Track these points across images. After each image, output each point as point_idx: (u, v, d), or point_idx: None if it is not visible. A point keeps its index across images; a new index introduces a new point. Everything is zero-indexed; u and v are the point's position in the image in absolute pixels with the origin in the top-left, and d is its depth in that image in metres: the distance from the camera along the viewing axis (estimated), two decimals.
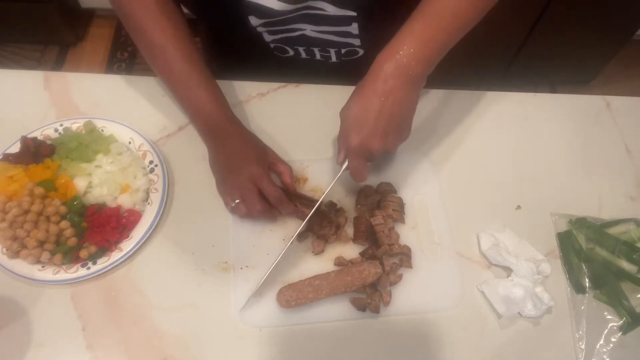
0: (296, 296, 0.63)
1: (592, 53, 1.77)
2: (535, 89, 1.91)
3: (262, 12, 0.66)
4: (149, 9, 0.67)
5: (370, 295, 0.64)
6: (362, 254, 0.68)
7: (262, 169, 0.67)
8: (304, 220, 0.67)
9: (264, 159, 0.69)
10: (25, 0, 1.79)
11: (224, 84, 0.82)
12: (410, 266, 0.67)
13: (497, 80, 1.89)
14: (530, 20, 1.61)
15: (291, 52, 0.79)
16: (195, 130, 0.75)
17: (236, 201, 0.67)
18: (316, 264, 0.68)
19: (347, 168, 0.64)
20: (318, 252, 0.68)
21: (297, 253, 0.69)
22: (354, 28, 0.70)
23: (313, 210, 0.66)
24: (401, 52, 0.58)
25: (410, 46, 0.58)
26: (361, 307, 0.64)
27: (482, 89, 0.84)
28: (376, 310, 0.64)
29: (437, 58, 0.61)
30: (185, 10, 0.78)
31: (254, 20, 0.69)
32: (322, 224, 0.68)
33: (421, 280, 0.67)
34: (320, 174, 0.75)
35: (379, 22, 0.68)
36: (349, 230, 0.70)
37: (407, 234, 0.70)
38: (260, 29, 0.72)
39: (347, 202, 0.73)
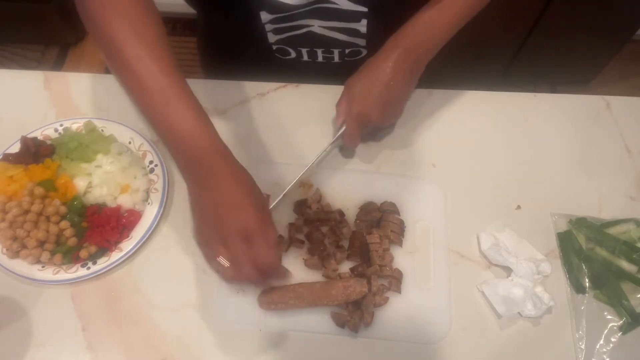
0: (277, 300, 0.62)
1: (592, 53, 1.77)
2: (535, 89, 1.91)
3: (275, 7, 0.66)
4: (120, 11, 0.56)
5: (352, 312, 0.63)
6: (352, 269, 0.67)
7: (259, 224, 0.55)
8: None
9: (263, 207, 0.58)
10: (25, 0, 1.79)
11: (223, 84, 0.83)
12: (398, 291, 0.65)
13: (497, 80, 1.89)
14: (530, 20, 1.61)
15: (293, 54, 0.79)
16: (173, 159, 0.60)
17: (220, 260, 0.56)
18: (304, 271, 0.67)
19: (342, 134, 0.69)
20: (310, 266, 0.67)
21: (288, 259, 0.68)
22: (362, 25, 0.70)
23: (304, 171, 0.68)
24: (412, 39, 0.65)
25: (421, 34, 0.65)
26: (340, 323, 0.63)
27: (482, 89, 0.84)
28: (355, 329, 0.62)
29: (440, 47, 0.67)
30: (181, 10, 0.78)
31: (264, 16, 0.68)
32: (322, 247, 0.67)
33: (409, 307, 0.65)
34: (327, 182, 0.74)
35: (388, 20, 0.69)
36: (344, 243, 0.69)
37: (403, 258, 0.68)
38: (267, 27, 0.71)
39: (347, 215, 0.71)
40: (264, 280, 0.58)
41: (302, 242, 0.69)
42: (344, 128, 0.69)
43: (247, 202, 0.55)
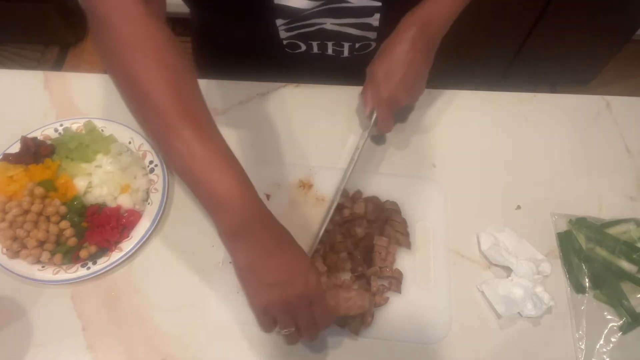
0: None
1: (592, 53, 1.77)
2: (535, 89, 1.91)
3: (289, 13, 0.67)
4: (159, 81, 0.51)
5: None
6: (352, 270, 0.66)
7: (320, 288, 0.55)
8: None
9: (315, 267, 0.57)
10: (25, 0, 1.79)
11: (223, 84, 0.83)
12: (399, 291, 0.65)
13: (497, 80, 1.89)
14: (530, 20, 1.61)
15: (303, 48, 0.79)
16: (218, 228, 0.55)
17: (291, 329, 0.56)
18: None
19: (375, 121, 0.71)
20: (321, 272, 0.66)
21: None
22: (375, 19, 0.71)
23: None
24: (425, 16, 0.67)
25: (433, 11, 0.67)
26: (341, 324, 0.63)
27: (482, 89, 0.84)
28: (355, 331, 0.62)
29: (452, 21, 0.69)
30: (181, 10, 0.77)
31: (279, 22, 0.69)
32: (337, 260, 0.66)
33: (409, 307, 0.65)
34: (327, 182, 0.73)
35: (401, 12, 0.69)
36: (357, 253, 0.68)
37: (403, 258, 0.68)
38: (280, 27, 0.72)
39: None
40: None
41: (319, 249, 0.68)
42: (375, 116, 0.70)
43: (307, 268, 0.54)
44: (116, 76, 0.54)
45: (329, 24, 0.72)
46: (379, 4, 0.67)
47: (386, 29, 0.72)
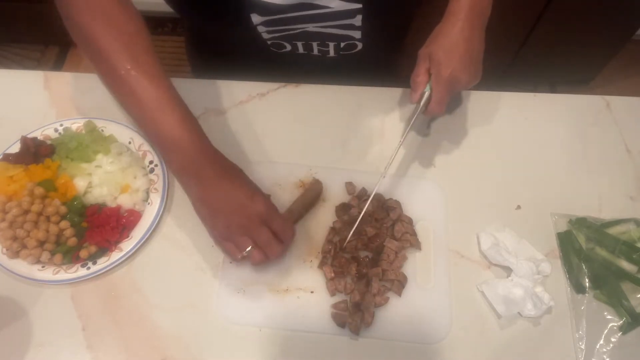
0: None
1: (592, 53, 1.77)
2: (535, 89, 1.92)
3: (264, 8, 0.66)
4: (105, 23, 0.58)
5: (352, 315, 0.63)
6: (358, 272, 0.66)
7: (268, 206, 0.61)
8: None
9: (260, 191, 0.63)
10: (25, 0, 1.79)
11: (223, 84, 0.83)
12: (399, 294, 0.65)
13: (497, 80, 1.89)
14: (530, 20, 1.61)
15: (288, 47, 0.79)
16: (168, 167, 0.64)
17: (248, 249, 0.60)
18: (307, 273, 0.67)
19: (426, 103, 0.68)
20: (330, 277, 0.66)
21: (290, 259, 0.68)
22: (357, 20, 0.71)
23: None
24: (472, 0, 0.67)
25: None
26: (341, 323, 0.63)
27: (482, 89, 0.84)
28: (355, 331, 0.62)
29: (492, 2, 0.70)
30: (166, 9, 0.77)
31: (255, 18, 0.68)
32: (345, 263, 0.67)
33: (409, 307, 0.65)
34: (327, 182, 0.73)
35: (383, 12, 0.69)
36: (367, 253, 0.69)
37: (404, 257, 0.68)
38: (260, 28, 0.71)
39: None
40: (286, 251, 0.65)
41: (332, 247, 0.68)
42: (425, 97, 0.68)
43: (251, 192, 0.60)
44: (78, 41, 0.60)
45: (312, 27, 0.71)
46: (360, 5, 0.67)
47: (369, 28, 0.72)
